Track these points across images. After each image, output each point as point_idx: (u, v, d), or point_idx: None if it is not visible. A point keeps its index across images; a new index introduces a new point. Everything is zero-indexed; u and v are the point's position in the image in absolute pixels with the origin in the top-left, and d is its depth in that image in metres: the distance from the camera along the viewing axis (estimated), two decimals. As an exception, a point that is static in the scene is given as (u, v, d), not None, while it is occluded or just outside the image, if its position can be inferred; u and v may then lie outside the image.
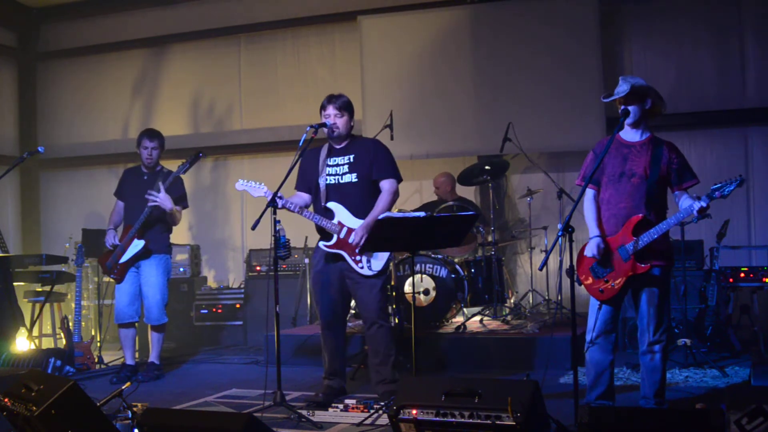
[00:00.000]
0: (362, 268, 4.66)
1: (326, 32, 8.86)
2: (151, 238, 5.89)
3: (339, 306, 4.83)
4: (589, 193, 4.20)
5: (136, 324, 6.07)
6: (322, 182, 4.76)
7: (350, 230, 4.67)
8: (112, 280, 6.07)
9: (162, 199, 5.71)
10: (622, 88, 4.01)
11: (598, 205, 4.18)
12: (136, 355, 7.06)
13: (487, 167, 7.06)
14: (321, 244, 4.77)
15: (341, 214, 4.71)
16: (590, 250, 4.08)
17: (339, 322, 4.87)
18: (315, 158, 4.86)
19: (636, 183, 4.01)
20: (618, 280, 3.99)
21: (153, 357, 6.04)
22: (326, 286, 4.79)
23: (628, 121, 4.06)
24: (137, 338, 6.24)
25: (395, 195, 4.78)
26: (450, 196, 7.35)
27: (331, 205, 4.73)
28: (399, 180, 4.81)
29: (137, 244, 5.82)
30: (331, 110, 4.72)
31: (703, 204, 3.81)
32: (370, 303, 4.70)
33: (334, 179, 4.75)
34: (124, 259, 5.86)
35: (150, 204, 5.73)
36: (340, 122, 4.72)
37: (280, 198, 4.54)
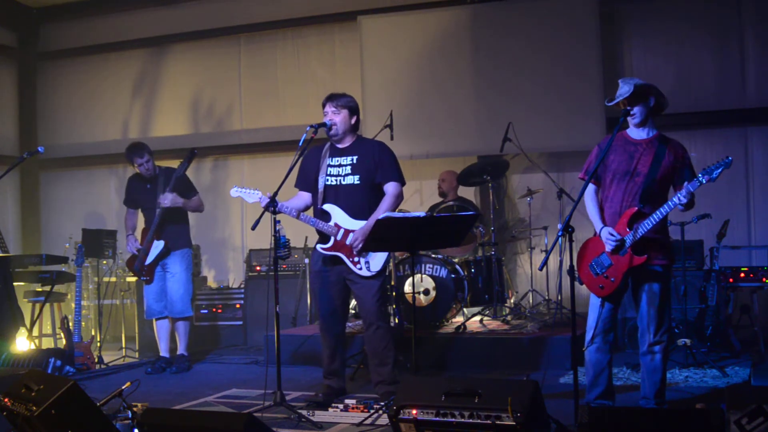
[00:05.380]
0: (360, 269, 4.66)
1: (326, 32, 8.85)
2: (170, 237, 6.19)
3: (338, 306, 4.82)
4: (590, 188, 4.20)
5: (168, 317, 6.36)
6: (321, 182, 4.75)
7: (347, 232, 4.66)
8: (143, 281, 6.40)
9: (171, 199, 6.00)
10: (624, 89, 4.00)
11: (600, 202, 4.18)
12: (137, 354, 7.06)
13: (488, 168, 7.06)
14: (318, 246, 4.76)
15: (338, 215, 4.70)
16: (607, 243, 3.97)
17: (338, 323, 4.86)
18: (317, 156, 4.84)
19: (639, 182, 4.01)
20: (617, 274, 3.98)
21: (181, 349, 6.34)
22: (325, 286, 4.78)
23: (635, 121, 4.05)
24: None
25: (399, 198, 4.76)
26: (453, 193, 7.36)
27: (327, 207, 4.72)
28: (403, 184, 4.80)
29: (157, 245, 6.14)
30: (328, 108, 4.72)
31: (691, 188, 3.79)
32: (369, 304, 4.70)
33: (335, 180, 4.74)
34: (148, 261, 6.17)
35: (161, 207, 6.01)
36: (338, 119, 4.69)
37: (276, 203, 4.53)
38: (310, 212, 4.86)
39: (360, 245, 4.58)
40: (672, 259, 4.11)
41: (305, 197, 4.87)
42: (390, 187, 4.73)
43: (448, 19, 8.14)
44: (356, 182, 4.70)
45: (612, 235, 3.96)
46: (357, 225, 4.66)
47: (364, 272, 4.65)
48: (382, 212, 4.64)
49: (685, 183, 3.85)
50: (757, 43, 7.51)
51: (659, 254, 4.01)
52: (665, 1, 7.81)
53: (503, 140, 6.97)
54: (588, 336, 4.13)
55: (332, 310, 4.80)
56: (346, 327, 5.01)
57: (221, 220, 9.18)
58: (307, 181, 4.87)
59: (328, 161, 4.78)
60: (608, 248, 4.00)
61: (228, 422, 3.14)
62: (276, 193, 4.52)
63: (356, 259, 4.65)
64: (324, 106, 4.75)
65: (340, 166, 4.75)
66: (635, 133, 4.12)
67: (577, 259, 4.15)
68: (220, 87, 9.24)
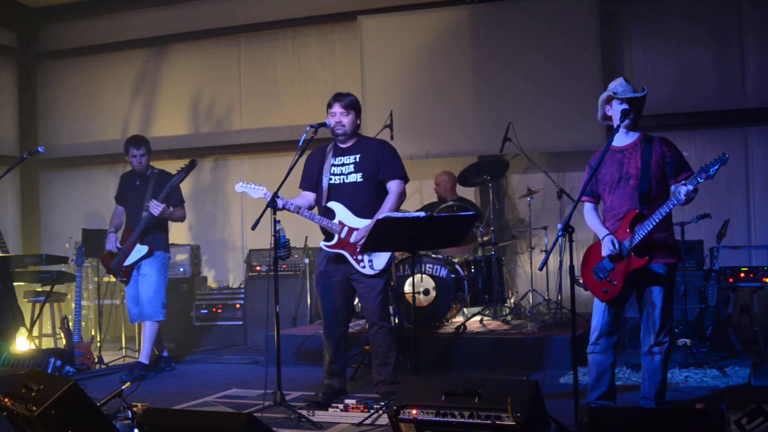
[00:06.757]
0: (364, 267, 4.66)
1: (326, 32, 8.86)
2: (151, 241, 6.07)
3: (342, 306, 4.82)
4: (588, 206, 4.24)
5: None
6: (325, 181, 4.76)
7: (351, 230, 4.67)
8: (120, 282, 6.29)
9: (160, 210, 5.87)
10: (629, 88, 4.02)
11: (600, 216, 4.19)
12: (137, 354, 7.05)
13: (488, 167, 7.06)
14: (322, 244, 4.77)
15: (342, 213, 4.71)
16: (606, 248, 3.99)
17: (342, 323, 4.86)
18: (320, 156, 4.86)
19: (633, 185, 4.01)
20: (619, 278, 3.98)
21: (142, 356, 6.11)
22: (329, 286, 4.78)
23: (627, 122, 4.06)
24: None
25: (402, 196, 4.79)
26: (450, 195, 7.34)
27: (332, 204, 4.73)
28: (406, 180, 4.82)
29: (140, 249, 6.02)
30: (337, 108, 4.72)
31: (690, 187, 3.77)
32: (372, 303, 4.71)
33: (339, 179, 4.74)
34: (128, 262, 6.05)
35: (149, 212, 5.90)
36: (346, 120, 4.71)
37: (279, 198, 4.55)
38: (314, 211, 4.87)
39: (363, 242, 4.58)
40: (677, 257, 4.09)
41: (309, 197, 4.89)
42: (393, 185, 4.75)
43: (449, 19, 8.15)
44: (359, 180, 4.71)
45: (613, 244, 3.97)
46: (361, 223, 4.67)
47: (368, 270, 4.66)
48: (386, 211, 4.66)
49: (680, 185, 3.85)
50: (757, 43, 7.51)
51: (662, 254, 3.99)
52: (665, 1, 7.81)
53: (503, 140, 6.97)
54: (592, 338, 4.12)
55: (336, 310, 4.80)
56: (349, 327, 5.01)
57: (221, 220, 9.18)
58: (310, 181, 4.88)
59: (332, 161, 4.79)
60: (604, 253, 4.01)
61: (228, 422, 3.13)
62: (277, 191, 4.53)
63: (360, 257, 4.66)
64: (331, 105, 4.74)
65: (343, 165, 4.76)
66: (620, 140, 4.13)
67: (581, 264, 4.16)
68: (220, 87, 9.25)
